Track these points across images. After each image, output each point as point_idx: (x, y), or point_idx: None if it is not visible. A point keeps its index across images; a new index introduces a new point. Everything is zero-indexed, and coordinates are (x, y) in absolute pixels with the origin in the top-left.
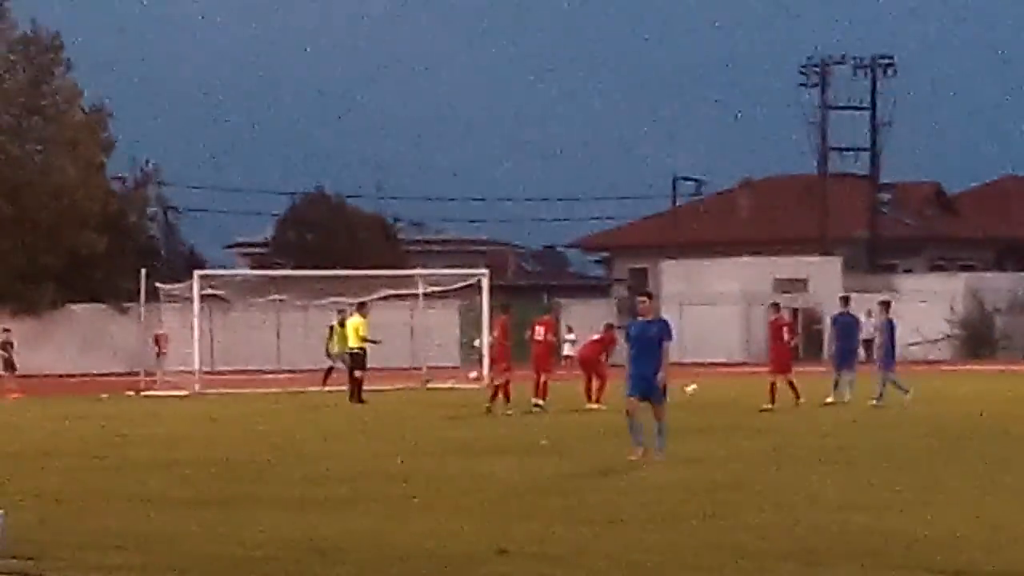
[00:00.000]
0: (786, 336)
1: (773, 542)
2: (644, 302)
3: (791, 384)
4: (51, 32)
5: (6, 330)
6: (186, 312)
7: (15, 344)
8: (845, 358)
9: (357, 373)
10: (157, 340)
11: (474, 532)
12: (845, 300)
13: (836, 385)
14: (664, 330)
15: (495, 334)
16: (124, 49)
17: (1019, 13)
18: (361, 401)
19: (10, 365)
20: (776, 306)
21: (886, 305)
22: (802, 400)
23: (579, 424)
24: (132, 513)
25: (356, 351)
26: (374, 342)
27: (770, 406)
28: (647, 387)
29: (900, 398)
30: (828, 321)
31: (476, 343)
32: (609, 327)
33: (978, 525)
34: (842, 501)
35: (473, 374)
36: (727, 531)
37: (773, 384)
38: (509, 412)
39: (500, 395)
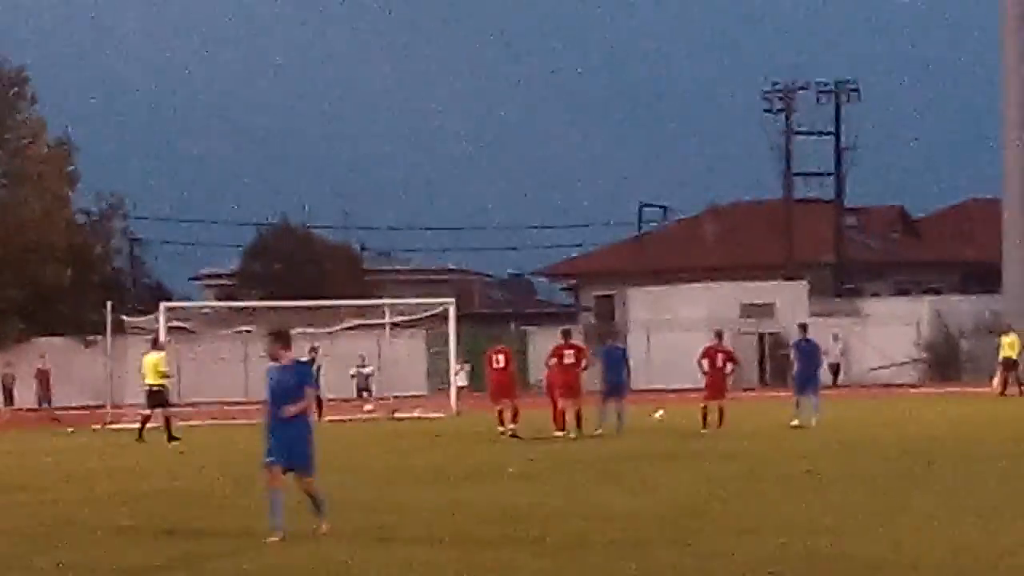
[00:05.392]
0: (720, 363)
1: (740, 567)
2: (277, 346)
3: (720, 410)
4: (15, 66)
5: (8, 364)
6: None
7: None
8: (807, 382)
9: (159, 410)
10: (40, 377)
11: (444, 561)
12: (804, 327)
13: (797, 405)
14: (305, 375)
15: (552, 361)
16: (89, 83)
17: (982, 38)
18: (173, 439)
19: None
20: (719, 334)
21: (614, 336)
22: (714, 429)
23: (546, 451)
24: (99, 546)
25: (156, 388)
26: (167, 377)
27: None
28: (291, 454)
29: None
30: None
31: (352, 373)
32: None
33: (943, 548)
34: (810, 525)
35: (369, 407)
36: (694, 557)
37: (709, 408)
38: (573, 436)
39: (570, 419)
